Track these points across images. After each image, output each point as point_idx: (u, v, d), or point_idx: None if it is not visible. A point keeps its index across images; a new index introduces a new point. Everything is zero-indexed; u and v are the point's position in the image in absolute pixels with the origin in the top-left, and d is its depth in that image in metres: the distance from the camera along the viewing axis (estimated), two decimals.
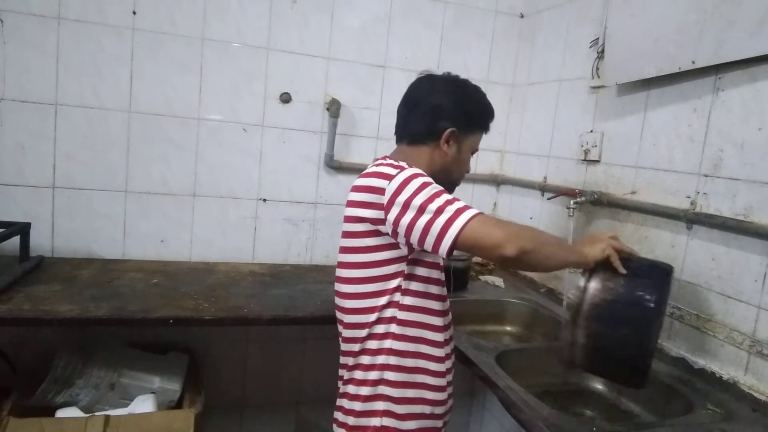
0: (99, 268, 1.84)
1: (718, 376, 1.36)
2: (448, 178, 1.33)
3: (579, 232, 1.87)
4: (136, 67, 1.91)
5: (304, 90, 2.11)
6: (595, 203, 1.78)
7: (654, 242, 1.59)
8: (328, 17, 2.10)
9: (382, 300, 1.21)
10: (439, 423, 1.30)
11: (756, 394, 1.27)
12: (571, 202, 1.78)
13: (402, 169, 1.17)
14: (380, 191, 1.15)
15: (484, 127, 1.37)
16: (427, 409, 1.26)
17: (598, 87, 1.84)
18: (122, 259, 1.98)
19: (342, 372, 1.32)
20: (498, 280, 2.15)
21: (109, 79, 1.88)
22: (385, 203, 1.14)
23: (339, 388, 1.32)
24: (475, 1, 2.28)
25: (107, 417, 1.46)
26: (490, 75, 2.35)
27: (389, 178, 1.15)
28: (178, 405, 1.70)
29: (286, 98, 2.09)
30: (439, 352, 1.26)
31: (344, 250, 1.27)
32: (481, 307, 1.90)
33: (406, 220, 1.10)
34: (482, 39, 2.32)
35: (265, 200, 2.13)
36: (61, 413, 1.54)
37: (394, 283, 1.21)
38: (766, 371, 1.26)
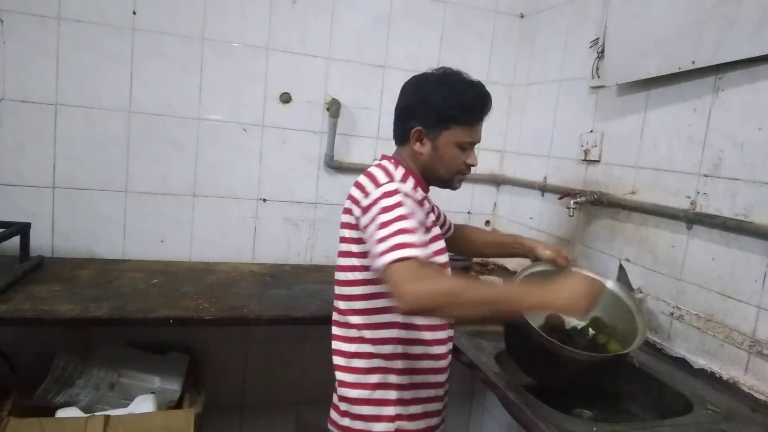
0: (99, 268, 1.84)
1: (718, 376, 1.36)
2: (433, 175, 1.33)
3: (579, 232, 1.88)
4: (136, 67, 1.91)
5: (304, 90, 2.11)
6: (595, 203, 1.78)
7: (654, 242, 1.59)
8: (329, 17, 2.10)
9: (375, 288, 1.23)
10: (439, 405, 1.35)
11: (756, 394, 1.27)
12: (571, 202, 1.77)
13: (390, 180, 1.21)
14: (364, 193, 1.21)
15: (459, 121, 1.25)
16: (431, 392, 1.31)
17: (598, 87, 1.84)
18: (122, 259, 1.98)
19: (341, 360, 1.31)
20: (498, 281, 2.15)
21: (109, 79, 1.88)
22: (362, 208, 1.19)
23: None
24: (475, 1, 2.28)
25: (107, 417, 1.46)
26: (489, 75, 2.35)
27: (377, 184, 1.20)
28: (178, 405, 1.70)
29: (286, 98, 2.09)
30: (441, 335, 1.31)
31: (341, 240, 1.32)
32: None
33: (369, 230, 1.15)
34: (482, 39, 2.32)
35: (265, 200, 2.13)
36: (61, 413, 1.54)
37: None
38: (766, 371, 1.26)
